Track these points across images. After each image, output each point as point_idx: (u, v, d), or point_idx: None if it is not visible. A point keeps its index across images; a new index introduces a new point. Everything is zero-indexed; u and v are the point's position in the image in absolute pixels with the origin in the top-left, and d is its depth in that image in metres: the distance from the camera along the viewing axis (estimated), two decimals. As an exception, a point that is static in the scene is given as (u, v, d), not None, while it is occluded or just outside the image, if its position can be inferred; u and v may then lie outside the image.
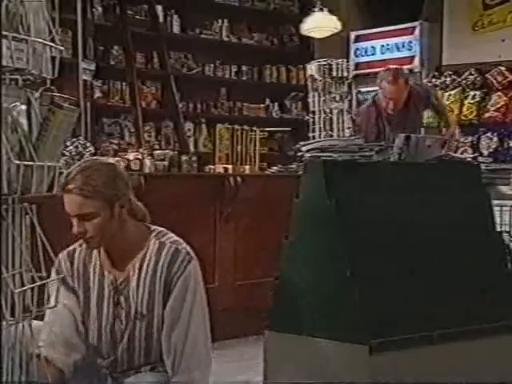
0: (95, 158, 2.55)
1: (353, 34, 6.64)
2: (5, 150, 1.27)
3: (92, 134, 5.46)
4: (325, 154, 2.71)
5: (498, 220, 3.12)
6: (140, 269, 2.11)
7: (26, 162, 1.33)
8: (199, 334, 2.11)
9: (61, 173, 1.50)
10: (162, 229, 2.19)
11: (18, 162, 1.31)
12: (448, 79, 6.12)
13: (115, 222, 2.06)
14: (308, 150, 2.79)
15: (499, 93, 5.90)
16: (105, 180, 2.03)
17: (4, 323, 1.31)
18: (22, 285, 1.39)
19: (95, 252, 2.14)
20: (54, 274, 2.09)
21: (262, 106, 7.00)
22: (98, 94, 5.93)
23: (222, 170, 4.54)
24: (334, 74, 6.23)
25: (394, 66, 4.55)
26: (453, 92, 6.08)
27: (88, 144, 3.79)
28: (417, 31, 6.27)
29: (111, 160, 2.25)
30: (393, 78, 4.15)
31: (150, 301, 2.09)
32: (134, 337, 2.11)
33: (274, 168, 4.92)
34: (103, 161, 2.20)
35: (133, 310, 2.10)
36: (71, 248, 2.17)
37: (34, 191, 1.36)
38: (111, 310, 2.11)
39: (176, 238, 2.17)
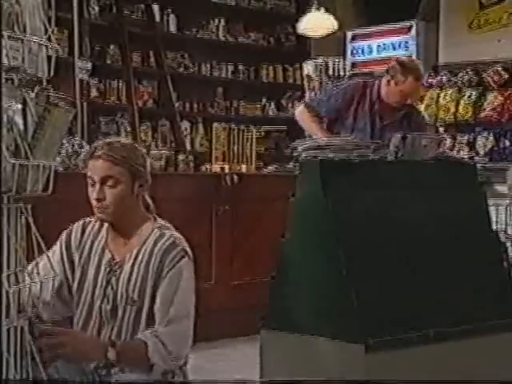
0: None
1: (349, 33, 6.64)
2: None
3: (88, 132, 5.46)
4: (321, 153, 2.71)
5: (493, 219, 3.12)
6: (137, 254, 2.14)
7: (22, 161, 1.33)
8: (181, 334, 2.11)
9: (56, 172, 1.49)
10: (166, 222, 2.23)
11: (13, 160, 1.31)
12: (444, 78, 6.13)
13: (131, 199, 2.13)
14: (304, 149, 2.79)
15: (495, 92, 5.91)
16: (131, 154, 2.13)
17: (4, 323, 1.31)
18: (17, 284, 1.39)
19: (104, 229, 2.18)
20: (58, 246, 2.18)
21: (258, 105, 7.01)
22: (94, 93, 5.93)
23: (218, 169, 4.54)
24: (331, 73, 6.24)
25: (415, 60, 4.17)
26: (449, 91, 6.09)
27: (84, 143, 3.79)
28: (413, 30, 6.28)
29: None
30: (418, 74, 3.77)
31: (142, 287, 2.11)
32: (123, 323, 2.12)
33: (271, 167, 4.92)
34: (130, 140, 2.34)
35: (120, 293, 2.12)
36: (87, 219, 2.22)
37: (29, 190, 1.36)
38: (103, 289, 2.14)
39: (177, 234, 2.19)
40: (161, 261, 2.11)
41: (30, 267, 1.52)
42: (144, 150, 2.28)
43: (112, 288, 2.13)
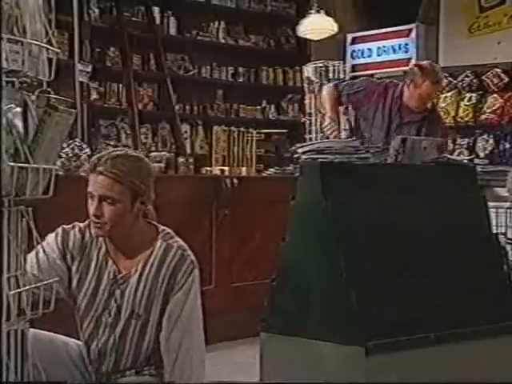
0: (128, 149, 2.55)
1: (349, 36, 6.65)
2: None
3: (88, 135, 5.46)
4: (321, 156, 2.71)
5: (494, 222, 3.12)
6: (143, 268, 2.11)
7: (21, 164, 1.33)
8: (194, 342, 2.12)
9: (57, 175, 1.49)
10: (169, 230, 2.19)
11: (12, 163, 1.31)
12: (444, 81, 6.13)
13: (131, 217, 2.07)
14: (304, 152, 2.79)
15: (495, 95, 5.92)
16: (138, 172, 2.06)
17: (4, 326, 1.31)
18: (18, 288, 1.39)
19: (101, 238, 2.13)
20: (54, 242, 2.10)
21: (258, 107, 7.01)
22: (94, 96, 5.93)
23: (218, 172, 4.55)
24: (331, 75, 6.24)
25: (433, 64, 4.13)
26: (449, 94, 6.09)
27: (84, 146, 3.78)
28: (413, 33, 6.28)
29: (143, 155, 2.27)
30: (437, 77, 3.86)
31: (149, 302, 2.09)
32: (127, 336, 2.10)
33: (271, 170, 4.92)
34: (138, 154, 2.21)
35: (125, 307, 2.10)
36: (86, 223, 2.16)
37: (28, 194, 1.36)
38: (103, 300, 2.11)
39: (181, 242, 2.17)
40: (172, 276, 2.09)
41: (28, 260, 1.50)
42: (151, 165, 2.20)
43: (116, 301, 2.10)
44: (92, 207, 2.03)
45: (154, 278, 2.09)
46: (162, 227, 2.19)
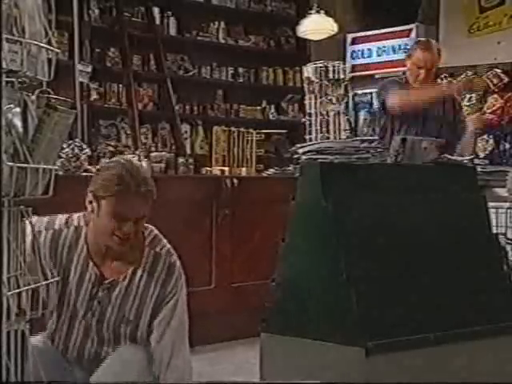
0: (131, 157, 2.49)
1: (349, 36, 6.65)
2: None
3: (88, 136, 5.46)
4: (321, 157, 2.71)
5: (494, 222, 3.12)
6: (132, 275, 2.11)
7: (20, 164, 1.33)
8: (184, 344, 2.14)
9: (56, 175, 1.48)
10: (155, 233, 2.18)
11: (11, 163, 1.31)
12: (444, 81, 6.13)
13: None
14: (304, 153, 2.79)
15: (495, 95, 5.92)
16: (153, 182, 2.07)
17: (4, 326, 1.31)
18: (18, 288, 1.39)
19: (82, 240, 2.10)
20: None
21: (258, 108, 7.01)
22: (94, 96, 5.93)
23: (218, 172, 4.54)
24: (331, 76, 6.23)
25: (430, 39, 4.38)
26: (449, 94, 6.09)
27: (84, 146, 3.78)
28: (413, 33, 6.29)
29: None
30: (426, 45, 4.05)
31: (140, 309, 2.10)
32: (120, 340, 2.12)
33: (271, 170, 4.92)
34: (140, 163, 2.22)
35: (110, 311, 2.10)
36: (57, 228, 2.11)
37: (28, 194, 1.36)
38: (86, 301, 2.10)
39: (168, 245, 2.17)
40: (163, 286, 2.10)
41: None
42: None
43: (99, 303, 2.09)
44: (125, 228, 1.99)
45: (145, 288, 2.10)
46: (148, 228, 2.17)
